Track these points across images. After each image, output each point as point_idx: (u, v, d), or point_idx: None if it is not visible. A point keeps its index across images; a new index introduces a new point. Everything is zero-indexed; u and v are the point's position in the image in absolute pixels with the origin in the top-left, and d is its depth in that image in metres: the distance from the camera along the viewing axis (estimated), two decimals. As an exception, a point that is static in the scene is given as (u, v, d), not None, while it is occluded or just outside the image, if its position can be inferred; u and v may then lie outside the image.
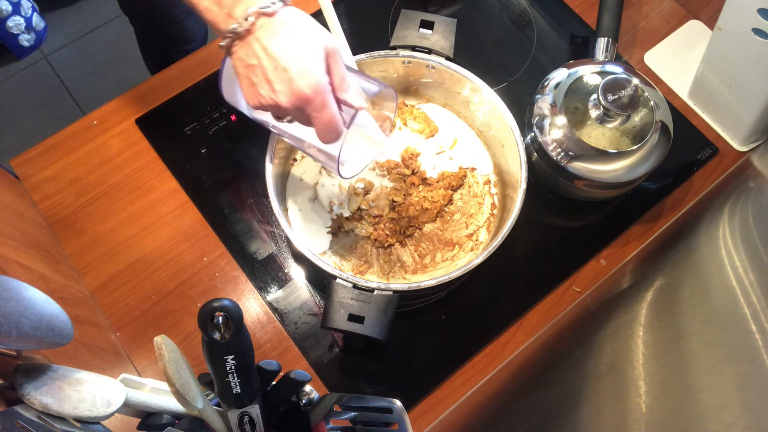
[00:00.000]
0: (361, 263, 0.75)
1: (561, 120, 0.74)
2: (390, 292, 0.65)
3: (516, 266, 0.80)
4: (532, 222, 0.82)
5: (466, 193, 0.79)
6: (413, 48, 0.77)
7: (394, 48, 0.77)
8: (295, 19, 0.54)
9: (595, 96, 0.73)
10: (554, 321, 0.78)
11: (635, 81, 0.72)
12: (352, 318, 0.64)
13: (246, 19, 0.53)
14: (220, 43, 0.55)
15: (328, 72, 0.55)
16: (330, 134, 0.56)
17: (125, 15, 1.19)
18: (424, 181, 0.78)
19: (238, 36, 0.54)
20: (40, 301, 0.48)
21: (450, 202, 0.78)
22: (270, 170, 0.70)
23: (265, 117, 0.64)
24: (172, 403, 0.56)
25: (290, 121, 0.61)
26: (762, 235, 0.61)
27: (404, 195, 0.77)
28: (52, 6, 1.90)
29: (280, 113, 0.58)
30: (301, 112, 0.55)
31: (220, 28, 0.55)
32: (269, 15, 0.53)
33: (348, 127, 0.58)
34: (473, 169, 0.80)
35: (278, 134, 0.66)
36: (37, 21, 1.80)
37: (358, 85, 0.61)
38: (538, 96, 0.77)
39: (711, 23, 0.95)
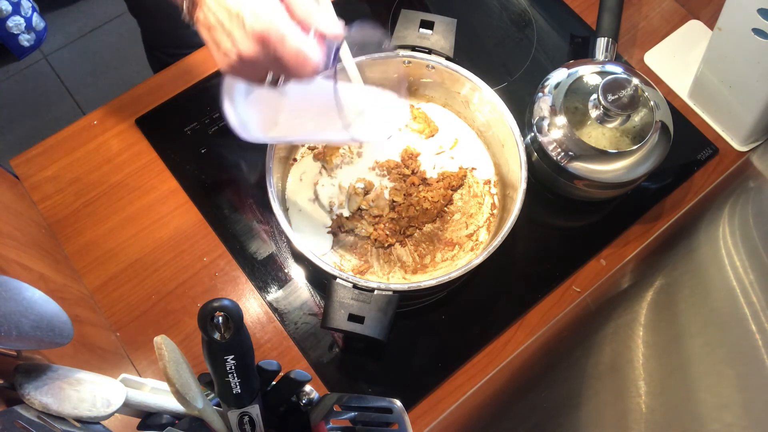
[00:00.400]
0: (361, 263, 0.75)
1: (561, 120, 0.74)
2: (390, 292, 0.65)
3: (516, 266, 0.80)
4: (532, 222, 0.82)
5: (466, 193, 0.79)
6: (413, 48, 0.77)
7: (394, 48, 0.77)
8: None
9: (595, 96, 0.73)
10: (554, 321, 0.78)
11: (635, 81, 0.72)
12: (352, 318, 0.64)
13: None
14: (182, 14, 0.54)
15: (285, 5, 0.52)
16: (302, 68, 0.51)
17: (133, 17, 1.18)
18: (424, 181, 0.78)
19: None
20: (40, 301, 0.48)
21: (450, 202, 0.78)
22: (270, 170, 0.70)
23: (277, 134, 0.62)
24: (172, 403, 0.56)
25: (274, 82, 0.56)
26: (762, 235, 0.61)
27: (404, 195, 0.77)
28: (52, 6, 1.90)
29: (251, 70, 0.54)
30: (267, 56, 0.51)
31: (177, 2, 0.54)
32: None
33: (332, 64, 0.54)
34: (473, 169, 0.80)
35: (301, 141, 0.65)
36: (37, 21, 1.80)
37: (328, 4, 0.57)
38: (538, 96, 0.77)
39: (711, 23, 0.95)
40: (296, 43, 0.50)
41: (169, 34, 1.14)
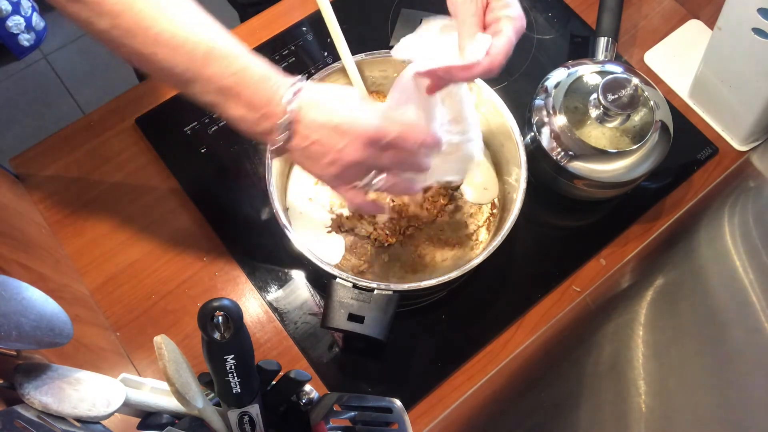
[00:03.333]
0: (361, 263, 0.75)
1: (561, 120, 0.74)
2: (390, 292, 0.65)
3: (516, 266, 0.80)
4: (532, 222, 0.82)
5: (466, 192, 0.79)
6: (413, 48, 0.77)
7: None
8: (319, 89, 0.56)
9: (595, 96, 0.73)
10: (554, 321, 0.78)
11: (635, 81, 0.72)
12: (352, 318, 0.64)
13: (287, 109, 0.53)
14: (274, 146, 0.55)
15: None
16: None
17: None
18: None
19: (289, 128, 0.54)
20: (40, 301, 0.48)
21: (450, 201, 0.78)
22: (270, 170, 0.70)
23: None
24: (172, 403, 0.56)
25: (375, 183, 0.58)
26: (762, 235, 0.61)
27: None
28: (52, 6, 1.90)
29: (357, 170, 0.56)
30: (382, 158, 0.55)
31: (257, 130, 0.55)
32: (298, 92, 0.54)
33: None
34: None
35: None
36: (37, 21, 1.80)
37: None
38: (538, 96, 0.77)
39: (711, 23, 0.95)
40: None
41: None
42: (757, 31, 0.73)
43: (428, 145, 0.56)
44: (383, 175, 0.57)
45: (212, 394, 0.57)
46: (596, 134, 0.73)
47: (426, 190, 0.77)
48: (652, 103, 0.74)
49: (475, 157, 0.65)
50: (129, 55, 0.53)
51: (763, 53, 0.74)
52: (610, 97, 0.71)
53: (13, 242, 0.67)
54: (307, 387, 0.62)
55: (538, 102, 0.77)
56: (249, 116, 0.54)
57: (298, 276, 0.78)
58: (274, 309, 0.77)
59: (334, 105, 0.55)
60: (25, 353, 0.52)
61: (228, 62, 0.52)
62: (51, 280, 0.70)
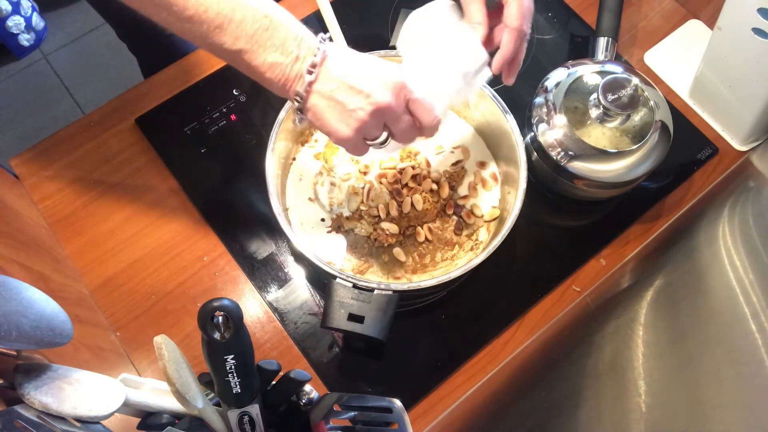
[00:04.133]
0: (361, 263, 0.75)
1: (561, 120, 0.74)
2: (390, 292, 0.65)
3: (516, 266, 0.80)
4: (532, 222, 0.82)
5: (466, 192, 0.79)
6: (413, 48, 0.77)
7: (394, 48, 0.77)
8: (343, 51, 0.57)
9: (595, 95, 0.73)
10: (554, 321, 0.78)
11: (635, 81, 0.72)
12: (352, 318, 0.64)
13: (318, 49, 0.54)
14: (299, 87, 0.55)
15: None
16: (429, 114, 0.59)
17: (125, 45, 1.18)
18: (424, 180, 0.78)
19: (314, 70, 0.54)
20: (40, 301, 0.48)
21: (450, 201, 0.78)
22: (270, 170, 0.70)
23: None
24: (172, 403, 0.56)
25: (383, 144, 0.60)
26: (762, 235, 0.61)
27: (404, 194, 0.77)
28: (52, 6, 1.90)
29: (374, 125, 0.57)
30: (399, 106, 0.57)
31: (290, 75, 0.55)
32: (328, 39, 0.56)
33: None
34: (474, 169, 0.80)
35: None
36: (37, 20, 1.80)
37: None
38: (538, 96, 0.77)
39: (711, 23, 0.95)
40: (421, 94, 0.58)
41: (165, 51, 1.11)
42: (757, 31, 0.73)
43: (433, 126, 0.59)
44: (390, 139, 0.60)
45: (212, 394, 0.57)
46: (596, 134, 0.73)
47: (426, 187, 0.77)
48: (652, 103, 0.74)
49: (486, 76, 0.65)
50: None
51: (763, 53, 0.74)
52: (610, 97, 0.71)
53: (13, 242, 0.67)
54: (307, 387, 0.62)
55: (538, 102, 0.77)
56: (281, 60, 0.54)
57: (298, 276, 0.78)
58: (274, 309, 0.77)
59: (361, 56, 0.57)
60: (25, 353, 0.52)
61: (258, 6, 0.53)
62: (51, 280, 0.70)
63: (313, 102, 0.56)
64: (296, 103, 0.56)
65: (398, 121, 0.58)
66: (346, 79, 0.54)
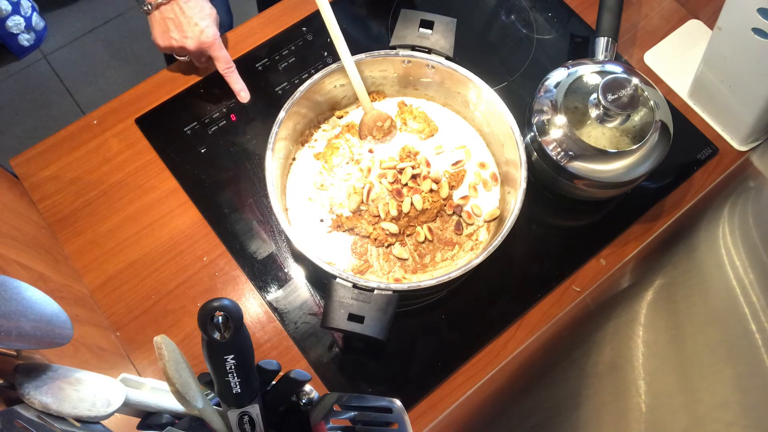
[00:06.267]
0: (361, 263, 0.75)
1: (561, 120, 0.74)
2: (390, 292, 0.65)
3: (516, 266, 0.80)
4: (532, 222, 0.82)
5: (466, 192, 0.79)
6: (413, 48, 0.77)
7: (394, 48, 0.77)
8: None
9: (594, 95, 0.73)
10: (554, 320, 0.78)
11: (635, 81, 0.72)
12: (352, 318, 0.64)
13: None
14: (148, 5, 0.78)
15: None
16: (229, 63, 0.84)
17: (126, 44, 1.18)
18: (424, 180, 0.78)
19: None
20: (40, 301, 0.48)
21: (449, 201, 0.78)
22: (270, 170, 0.70)
23: None
24: (172, 403, 0.56)
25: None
26: (762, 235, 0.61)
27: (404, 194, 0.77)
28: (52, 6, 1.90)
29: (182, 53, 0.84)
30: (201, 53, 0.83)
31: None
32: None
33: None
34: (474, 169, 0.80)
35: None
36: (37, 20, 1.80)
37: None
38: (538, 96, 0.77)
39: (711, 23, 0.95)
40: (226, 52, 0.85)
41: None
42: (757, 31, 0.73)
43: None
44: None
45: (212, 394, 0.57)
46: (596, 134, 0.73)
47: (426, 187, 0.77)
48: (652, 103, 0.74)
49: None
50: None
51: (763, 53, 0.74)
52: (610, 97, 0.71)
53: (13, 242, 0.67)
54: (307, 387, 0.62)
55: (538, 102, 0.77)
56: None
57: (298, 276, 0.78)
58: (274, 309, 0.77)
59: (199, 9, 0.80)
60: (25, 353, 0.52)
61: None
62: (51, 280, 0.70)
63: (154, 16, 0.79)
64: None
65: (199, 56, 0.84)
66: (183, 16, 0.79)
